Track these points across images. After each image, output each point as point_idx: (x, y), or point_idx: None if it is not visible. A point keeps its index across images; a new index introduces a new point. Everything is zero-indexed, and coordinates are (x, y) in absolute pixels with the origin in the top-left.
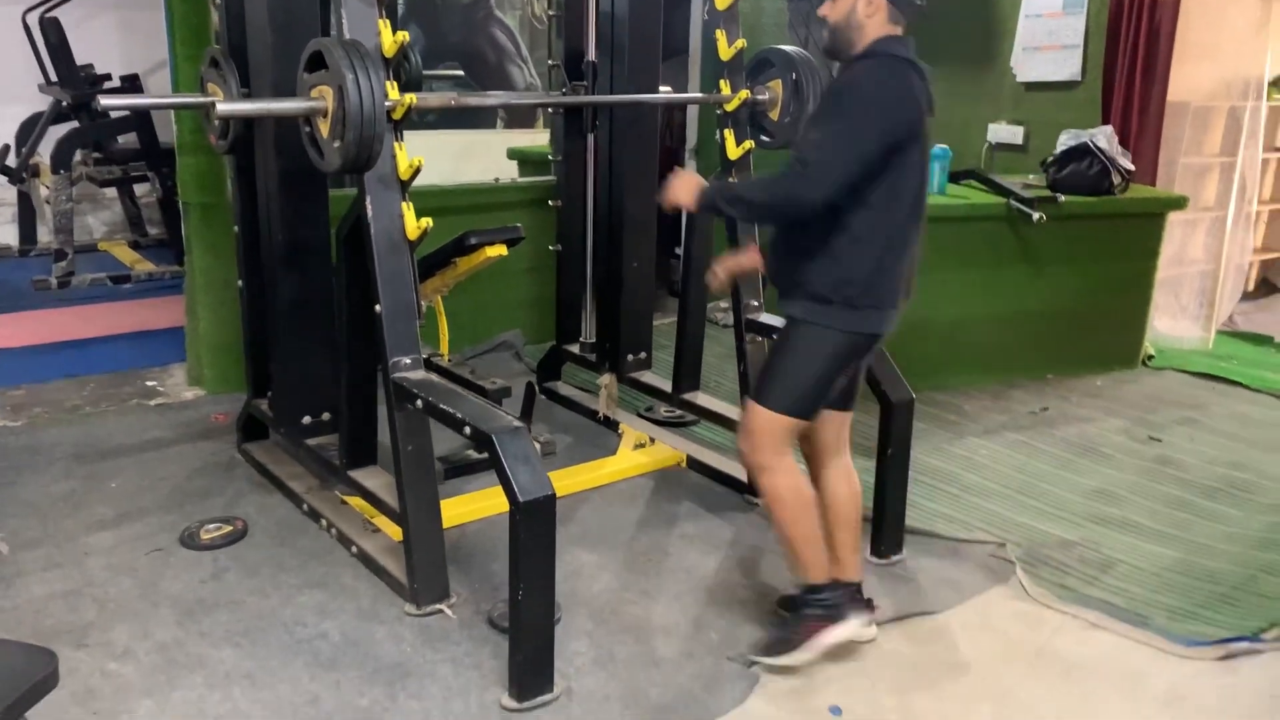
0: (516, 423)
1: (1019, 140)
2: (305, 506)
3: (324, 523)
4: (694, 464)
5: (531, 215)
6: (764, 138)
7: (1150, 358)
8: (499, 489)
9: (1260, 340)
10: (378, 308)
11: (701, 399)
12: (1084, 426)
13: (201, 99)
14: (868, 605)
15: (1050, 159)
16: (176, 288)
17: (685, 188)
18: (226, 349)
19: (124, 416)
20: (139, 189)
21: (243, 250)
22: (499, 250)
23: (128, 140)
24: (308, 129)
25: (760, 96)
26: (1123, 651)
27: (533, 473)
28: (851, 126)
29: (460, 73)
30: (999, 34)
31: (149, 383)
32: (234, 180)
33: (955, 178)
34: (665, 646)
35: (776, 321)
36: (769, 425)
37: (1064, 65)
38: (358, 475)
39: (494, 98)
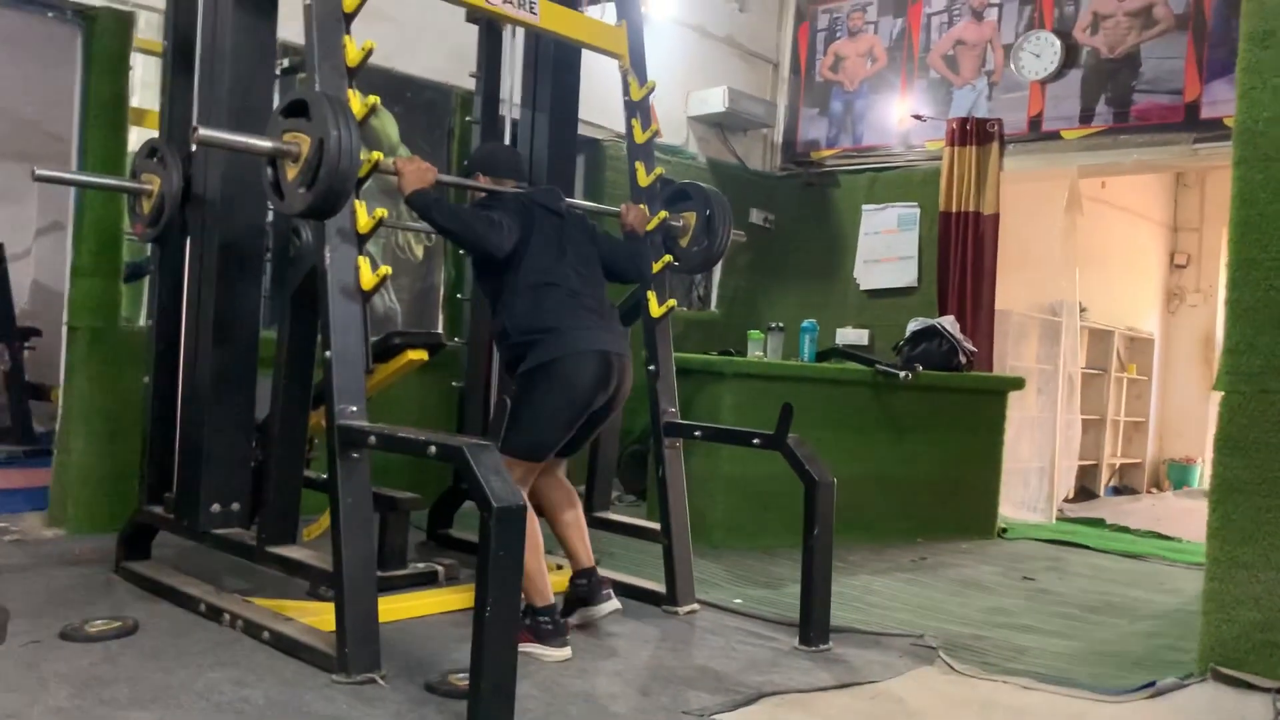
0: (483, 441)
1: (865, 342)
2: (203, 607)
3: (227, 618)
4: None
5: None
6: (674, 262)
7: (1004, 530)
8: (421, 594)
9: (1093, 522)
10: (328, 353)
11: (614, 515)
12: (963, 570)
13: (142, 185)
14: (604, 597)
15: (902, 342)
16: (17, 462)
17: (413, 178)
18: (98, 482)
19: None
20: None
21: (156, 342)
22: (420, 355)
23: None
24: (270, 172)
25: (674, 223)
26: (1061, 702)
27: (504, 482)
28: (506, 209)
29: None
30: (842, 250)
31: None
32: (156, 270)
33: (820, 356)
34: (618, 706)
35: (693, 423)
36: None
37: (903, 274)
38: (279, 550)
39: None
